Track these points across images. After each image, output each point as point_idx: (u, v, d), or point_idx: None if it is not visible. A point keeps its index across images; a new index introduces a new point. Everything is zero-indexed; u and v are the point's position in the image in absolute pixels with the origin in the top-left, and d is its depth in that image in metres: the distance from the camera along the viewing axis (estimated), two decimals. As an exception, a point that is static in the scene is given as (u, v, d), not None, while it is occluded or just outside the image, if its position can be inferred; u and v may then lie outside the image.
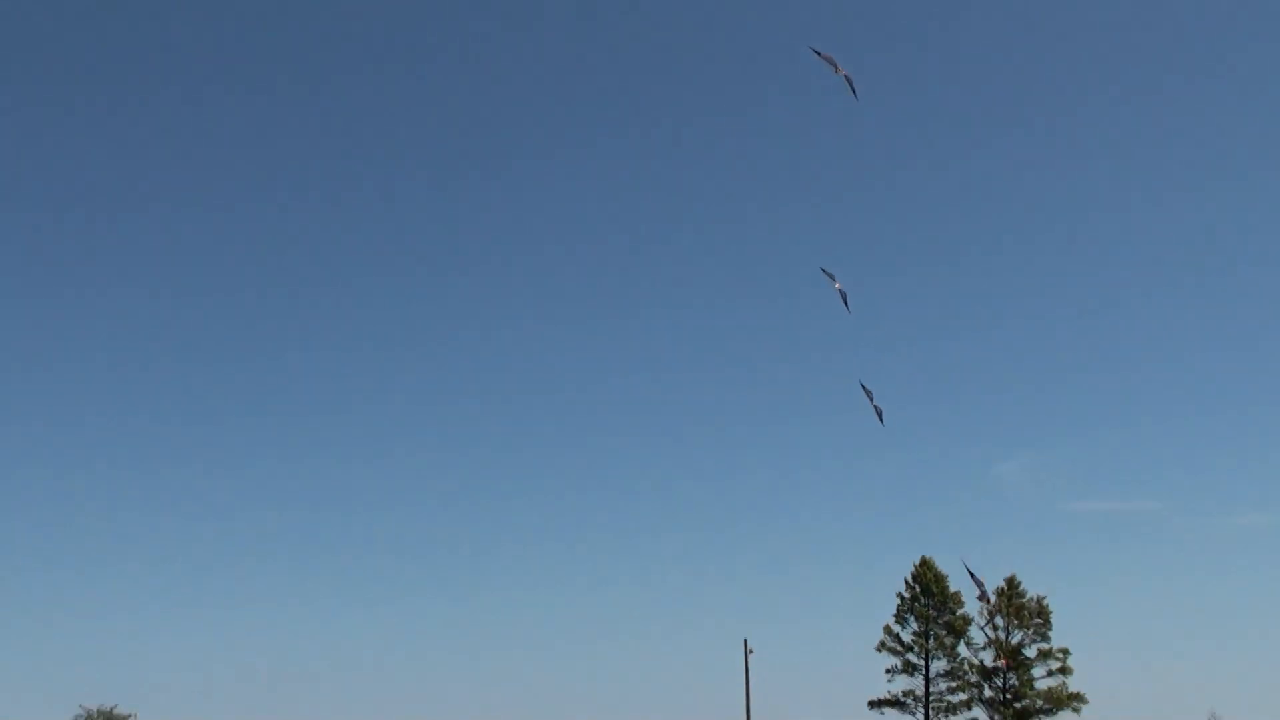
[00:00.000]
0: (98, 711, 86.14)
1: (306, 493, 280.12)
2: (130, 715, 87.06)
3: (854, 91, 39.18)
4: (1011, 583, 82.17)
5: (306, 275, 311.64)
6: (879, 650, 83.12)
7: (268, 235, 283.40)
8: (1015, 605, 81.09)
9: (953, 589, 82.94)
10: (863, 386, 42.99)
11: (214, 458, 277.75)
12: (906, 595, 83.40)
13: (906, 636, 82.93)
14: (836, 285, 42.09)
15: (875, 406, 43.38)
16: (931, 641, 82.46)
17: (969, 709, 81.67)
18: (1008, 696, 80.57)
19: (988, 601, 39.53)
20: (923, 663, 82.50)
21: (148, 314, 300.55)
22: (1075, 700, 78.94)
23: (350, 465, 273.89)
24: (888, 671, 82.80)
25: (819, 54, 39.25)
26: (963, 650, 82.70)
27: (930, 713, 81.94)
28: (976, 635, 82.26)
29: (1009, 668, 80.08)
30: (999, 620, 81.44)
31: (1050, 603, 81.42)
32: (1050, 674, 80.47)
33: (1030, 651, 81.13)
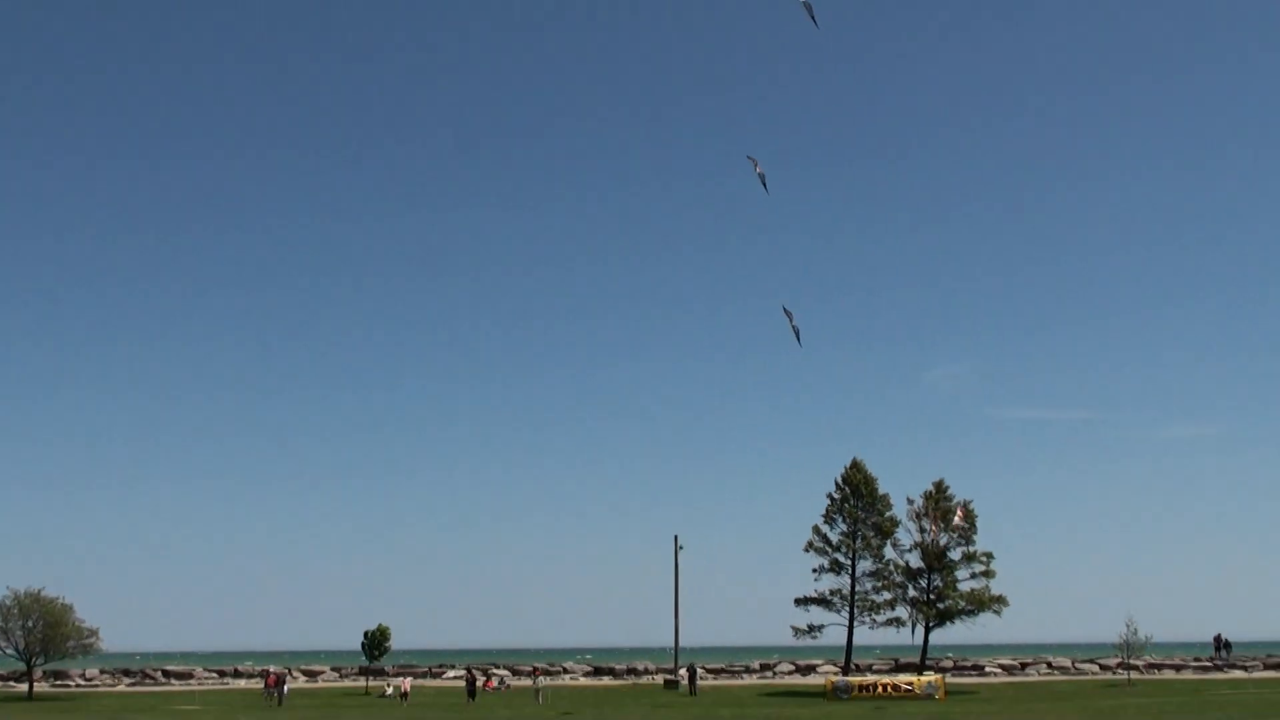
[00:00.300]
0: (25, 594, 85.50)
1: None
2: (58, 598, 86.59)
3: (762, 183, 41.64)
4: (939, 487, 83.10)
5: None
6: (807, 550, 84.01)
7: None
8: (941, 509, 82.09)
9: (882, 491, 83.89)
10: (784, 310, 43.75)
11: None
12: (836, 496, 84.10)
13: (835, 537, 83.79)
14: (792, 323, 44.11)
15: (794, 327, 44.16)
16: (859, 542, 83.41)
17: (893, 609, 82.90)
18: (931, 597, 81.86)
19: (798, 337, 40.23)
20: (850, 563, 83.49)
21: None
22: (997, 602, 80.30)
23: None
24: (815, 570, 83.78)
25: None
26: (889, 551, 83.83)
27: (855, 611, 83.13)
28: (904, 537, 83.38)
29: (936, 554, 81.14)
30: (925, 523, 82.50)
31: (976, 507, 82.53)
32: (974, 576, 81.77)
33: (955, 554, 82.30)
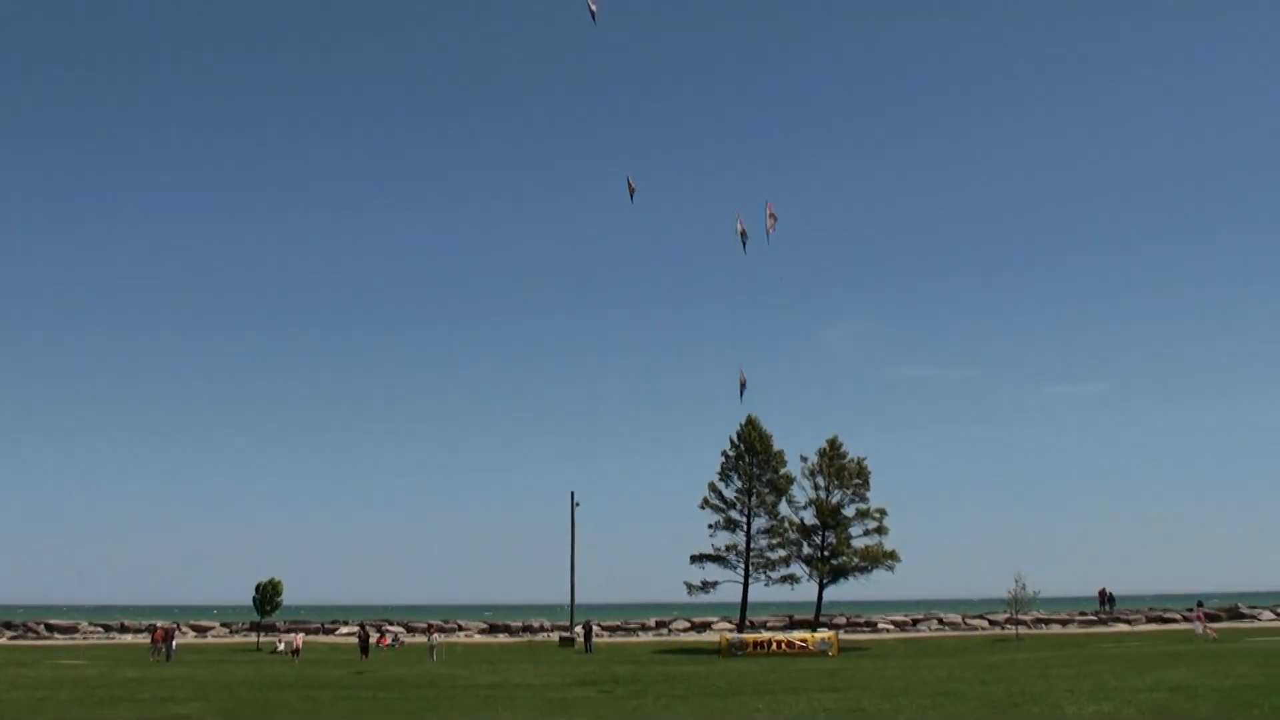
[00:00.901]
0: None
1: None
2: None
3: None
4: (833, 444, 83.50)
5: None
6: (703, 507, 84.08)
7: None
8: (836, 466, 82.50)
9: (777, 448, 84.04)
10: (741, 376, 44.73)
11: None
12: (731, 454, 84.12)
13: (730, 494, 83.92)
14: (741, 378, 45.06)
15: (741, 383, 44.94)
16: (754, 499, 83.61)
17: (788, 565, 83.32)
18: (825, 554, 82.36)
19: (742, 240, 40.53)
20: (745, 520, 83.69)
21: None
22: (889, 558, 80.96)
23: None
24: (710, 527, 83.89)
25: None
26: (784, 509, 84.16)
27: (750, 568, 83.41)
28: (798, 494, 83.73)
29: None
30: (820, 480, 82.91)
31: (870, 464, 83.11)
32: (866, 533, 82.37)
33: (849, 511, 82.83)
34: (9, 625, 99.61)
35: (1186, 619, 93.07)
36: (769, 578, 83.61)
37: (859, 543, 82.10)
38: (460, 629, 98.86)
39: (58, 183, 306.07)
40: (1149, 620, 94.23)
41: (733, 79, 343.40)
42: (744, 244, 44.72)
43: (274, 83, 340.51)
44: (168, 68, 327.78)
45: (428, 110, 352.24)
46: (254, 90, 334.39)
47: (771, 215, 44.45)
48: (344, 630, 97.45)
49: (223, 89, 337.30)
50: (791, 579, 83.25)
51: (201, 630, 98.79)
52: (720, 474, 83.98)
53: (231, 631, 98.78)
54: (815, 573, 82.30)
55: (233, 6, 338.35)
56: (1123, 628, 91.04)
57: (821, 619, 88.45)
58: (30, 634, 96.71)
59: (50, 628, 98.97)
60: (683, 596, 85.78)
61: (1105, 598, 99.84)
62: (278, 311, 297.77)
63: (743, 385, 46.52)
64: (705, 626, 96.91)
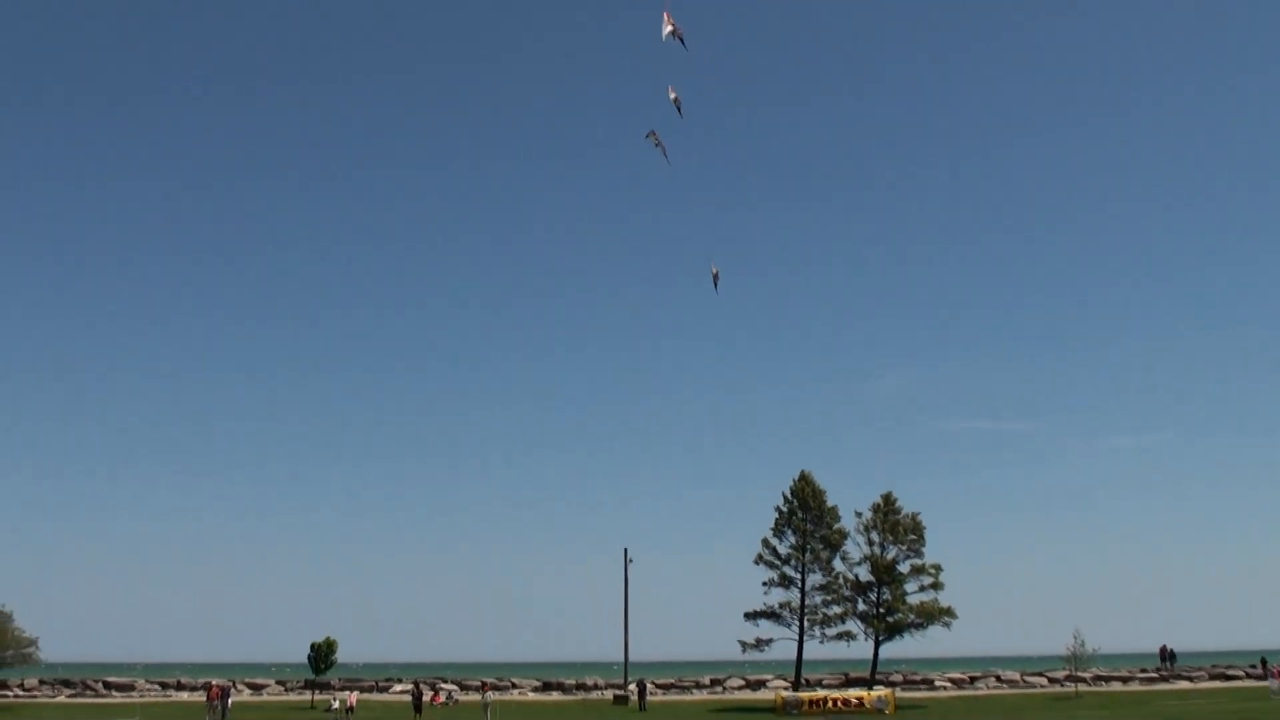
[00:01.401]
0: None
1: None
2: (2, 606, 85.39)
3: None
4: (888, 499, 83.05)
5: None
6: (757, 563, 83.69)
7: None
8: (890, 521, 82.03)
9: (831, 504, 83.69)
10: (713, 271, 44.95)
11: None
12: (785, 509, 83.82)
13: (784, 550, 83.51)
14: (714, 270, 45.46)
15: (714, 275, 45.15)
16: (808, 555, 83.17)
17: (843, 622, 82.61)
18: (881, 610, 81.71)
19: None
20: (799, 576, 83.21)
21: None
22: (946, 615, 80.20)
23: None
24: (765, 584, 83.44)
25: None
26: (838, 565, 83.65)
27: (805, 624, 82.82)
28: (853, 550, 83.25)
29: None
30: (874, 535, 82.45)
31: (924, 519, 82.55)
32: (922, 589, 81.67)
33: (904, 567, 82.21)
34: (67, 683, 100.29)
35: (1250, 674, 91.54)
36: (824, 635, 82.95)
37: (915, 599, 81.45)
38: (514, 687, 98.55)
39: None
40: (1211, 677, 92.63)
41: (769, 122, 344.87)
42: (715, 284, 46.65)
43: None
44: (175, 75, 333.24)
45: (495, 151, 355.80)
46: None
47: (715, 274, 46.49)
48: (398, 688, 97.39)
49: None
50: (847, 636, 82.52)
51: (257, 688, 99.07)
52: (774, 530, 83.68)
53: (287, 690, 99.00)
54: (871, 630, 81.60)
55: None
56: (1185, 685, 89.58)
57: (878, 677, 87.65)
58: (88, 691, 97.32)
59: (108, 685, 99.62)
60: (737, 654, 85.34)
61: (1166, 655, 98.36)
62: (335, 386, 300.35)
63: (715, 278, 46.89)
64: (760, 684, 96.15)
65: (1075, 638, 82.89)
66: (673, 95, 41.13)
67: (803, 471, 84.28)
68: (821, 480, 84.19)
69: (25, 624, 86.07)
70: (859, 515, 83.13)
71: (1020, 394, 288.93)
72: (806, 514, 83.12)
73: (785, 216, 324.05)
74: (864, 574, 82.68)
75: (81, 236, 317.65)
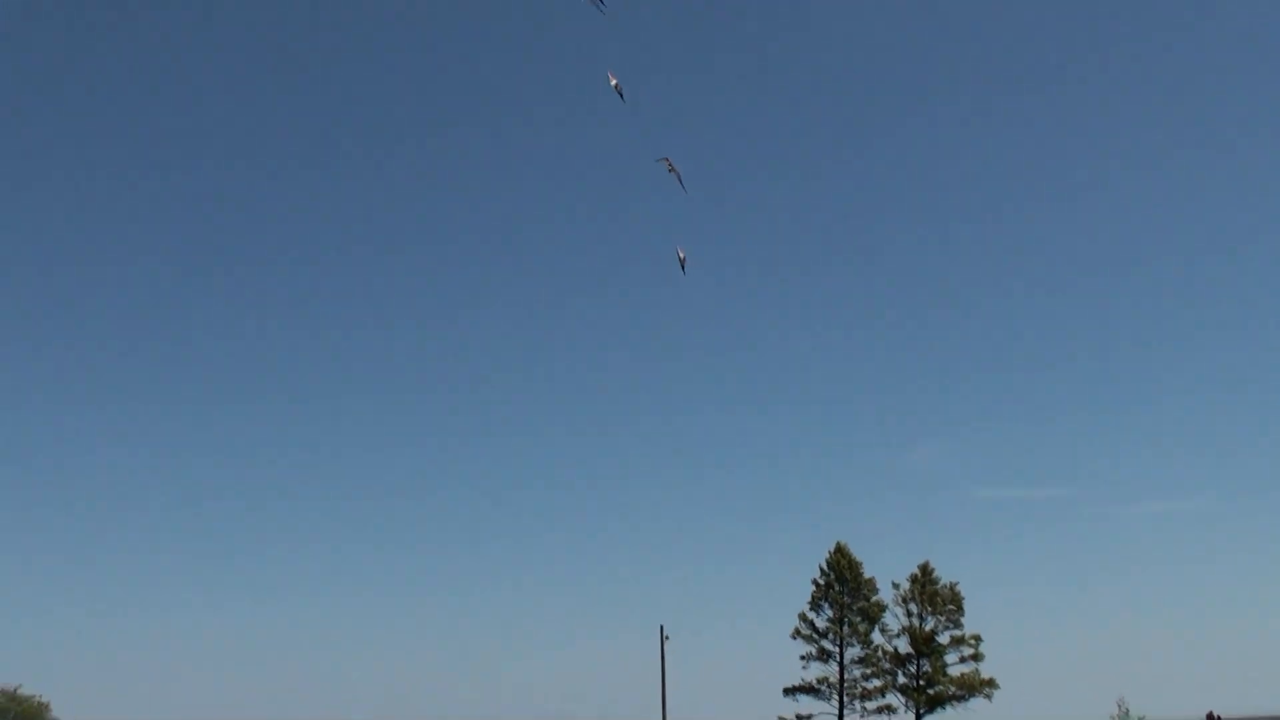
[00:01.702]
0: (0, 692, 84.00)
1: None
2: (35, 696, 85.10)
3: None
4: (925, 570, 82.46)
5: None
6: (794, 638, 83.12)
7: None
8: (928, 592, 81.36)
9: (867, 575, 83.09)
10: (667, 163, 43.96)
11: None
12: (821, 582, 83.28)
13: (821, 623, 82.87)
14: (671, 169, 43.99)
15: (674, 172, 44.05)
16: (846, 628, 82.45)
17: (883, 695, 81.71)
18: (921, 683, 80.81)
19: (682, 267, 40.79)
20: (837, 649, 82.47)
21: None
22: (987, 686, 79.32)
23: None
24: (803, 658, 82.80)
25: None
26: (877, 637, 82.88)
27: (845, 699, 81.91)
28: (891, 622, 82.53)
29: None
30: (913, 607, 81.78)
31: (962, 589, 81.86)
32: (963, 660, 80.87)
33: (943, 638, 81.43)
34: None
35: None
36: (864, 709, 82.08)
37: (955, 670, 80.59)
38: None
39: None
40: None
41: (791, 185, 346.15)
42: (683, 267, 45.18)
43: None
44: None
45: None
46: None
47: (682, 258, 44.92)
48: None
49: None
50: (887, 710, 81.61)
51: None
52: (811, 603, 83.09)
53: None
54: (911, 703, 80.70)
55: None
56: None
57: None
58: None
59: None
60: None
61: (1212, 719, 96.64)
62: (362, 440, 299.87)
63: (682, 262, 45.72)
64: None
65: (1119, 706, 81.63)
66: (614, 81, 40.33)
67: (838, 543, 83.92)
68: (857, 551, 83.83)
69: (64, 712, 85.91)
70: (896, 586, 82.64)
71: (1054, 460, 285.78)
72: (843, 586, 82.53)
73: (811, 284, 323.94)
74: (903, 646, 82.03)
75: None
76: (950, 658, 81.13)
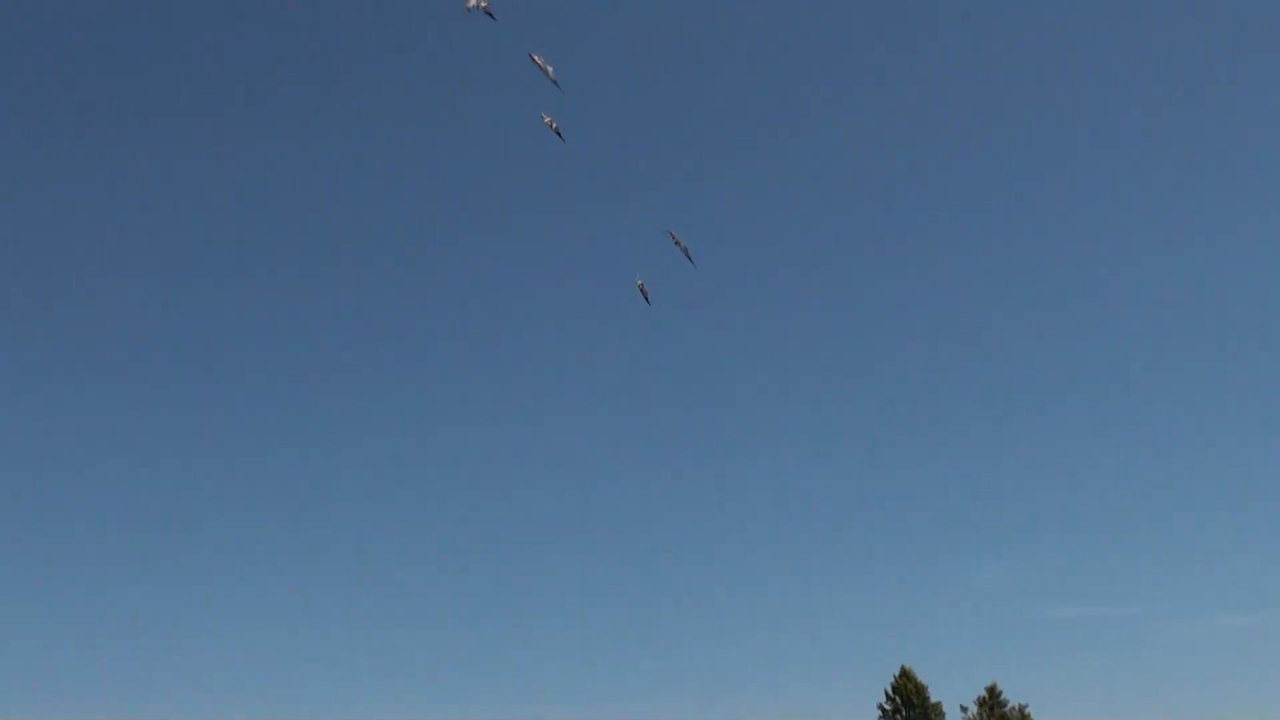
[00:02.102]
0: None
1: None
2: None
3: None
4: (992, 692, 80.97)
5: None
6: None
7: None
8: (997, 715, 80.00)
9: (934, 699, 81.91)
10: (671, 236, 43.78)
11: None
12: (888, 708, 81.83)
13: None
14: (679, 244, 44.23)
15: (681, 247, 43.80)
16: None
17: (953, 824, 80.00)
18: (989, 808, 79.15)
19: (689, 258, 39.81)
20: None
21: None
22: (1059, 811, 77.36)
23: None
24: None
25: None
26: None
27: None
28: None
29: None
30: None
31: (1032, 711, 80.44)
32: (1036, 786, 79.15)
33: (1015, 763, 79.87)
34: None
35: None
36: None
37: (1028, 796, 78.79)
38: None
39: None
40: None
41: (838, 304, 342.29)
42: (646, 299, 45.51)
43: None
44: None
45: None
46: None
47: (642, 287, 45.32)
48: None
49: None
50: (957, 835, 79.82)
51: None
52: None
53: None
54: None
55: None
56: None
57: None
58: None
59: None
60: None
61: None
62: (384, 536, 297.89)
63: (644, 294, 45.08)
64: None
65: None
66: (548, 120, 40.98)
67: (903, 666, 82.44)
68: (922, 674, 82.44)
69: None
70: (964, 710, 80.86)
71: (1123, 575, 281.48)
72: (910, 711, 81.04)
73: (868, 404, 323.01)
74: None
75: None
76: (1020, 782, 79.48)
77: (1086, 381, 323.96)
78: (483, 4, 39.45)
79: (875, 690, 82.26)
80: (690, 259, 43.58)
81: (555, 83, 39.86)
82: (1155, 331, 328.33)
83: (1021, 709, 79.86)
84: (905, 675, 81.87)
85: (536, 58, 39.86)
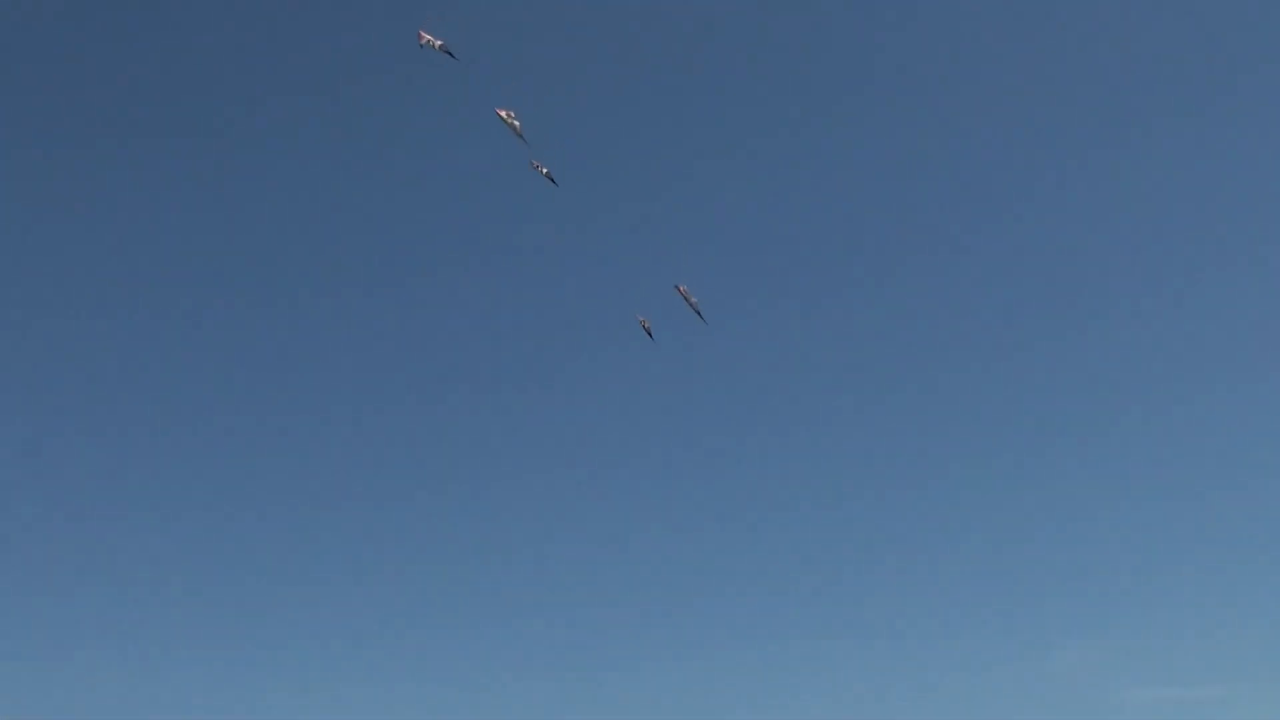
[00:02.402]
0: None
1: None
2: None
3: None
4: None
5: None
6: None
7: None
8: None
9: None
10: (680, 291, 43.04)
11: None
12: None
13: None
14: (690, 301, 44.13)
15: (693, 306, 43.14)
16: None
17: None
18: None
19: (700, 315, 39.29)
20: None
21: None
22: None
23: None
24: None
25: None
26: None
27: None
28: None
29: None
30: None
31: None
32: None
33: None
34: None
35: None
36: None
37: None
38: None
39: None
40: None
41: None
42: (649, 334, 44.63)
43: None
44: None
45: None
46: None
47: (645, 325, 44.48)
48: None
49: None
50: None
51: None
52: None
53: None
54: None
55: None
56: None
57: None
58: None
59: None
60: None
61: None
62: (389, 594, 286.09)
63: (647, 330, 44.18)
64: None
65: None
66: (431, 40, 39.26)
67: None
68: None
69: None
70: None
71: (1208, 656, 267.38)
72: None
73: (938, 499, 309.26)
74: None
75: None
76: None
77: (1157, 460, 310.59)
78: (436, 43, 38.72)
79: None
80: (701, 316, 43.92)
81: (522, 137, 38.93)
82: (1238, 420, 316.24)
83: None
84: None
85: (503, 113, 38.83)
